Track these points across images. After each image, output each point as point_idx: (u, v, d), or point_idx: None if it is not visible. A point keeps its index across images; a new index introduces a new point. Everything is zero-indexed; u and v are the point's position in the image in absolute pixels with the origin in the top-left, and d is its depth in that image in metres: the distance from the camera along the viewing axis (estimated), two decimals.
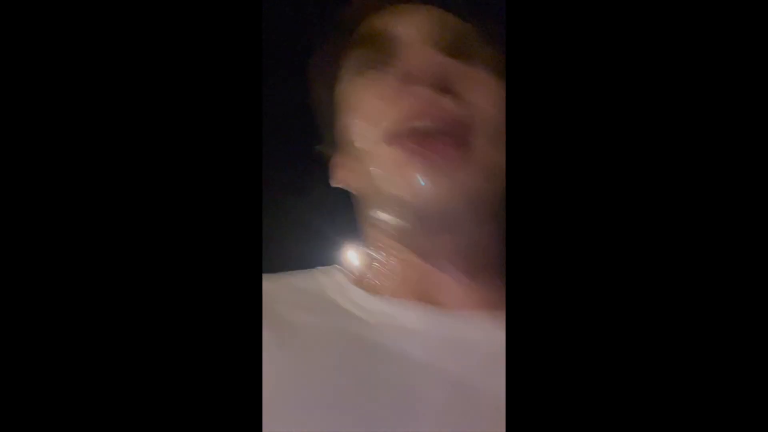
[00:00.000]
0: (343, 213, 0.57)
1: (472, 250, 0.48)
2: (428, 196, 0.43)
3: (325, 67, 0.52)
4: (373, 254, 0.52)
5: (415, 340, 0.44)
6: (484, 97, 0.45)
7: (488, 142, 0.44)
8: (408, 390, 0.41)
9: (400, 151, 0.44)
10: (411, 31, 0.47)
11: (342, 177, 0.54)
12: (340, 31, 0.51)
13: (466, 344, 0.44)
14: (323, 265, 0.55)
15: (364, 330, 0.45)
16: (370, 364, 0.43)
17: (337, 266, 0.54)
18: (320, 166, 0.57)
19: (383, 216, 0.48)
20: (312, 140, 0.56)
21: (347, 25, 0.50)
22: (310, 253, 0.61)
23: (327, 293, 0.50)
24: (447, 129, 0.44)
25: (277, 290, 0.49)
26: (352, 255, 0.58)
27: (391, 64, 0.47)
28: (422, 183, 0.43)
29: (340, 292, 0.50)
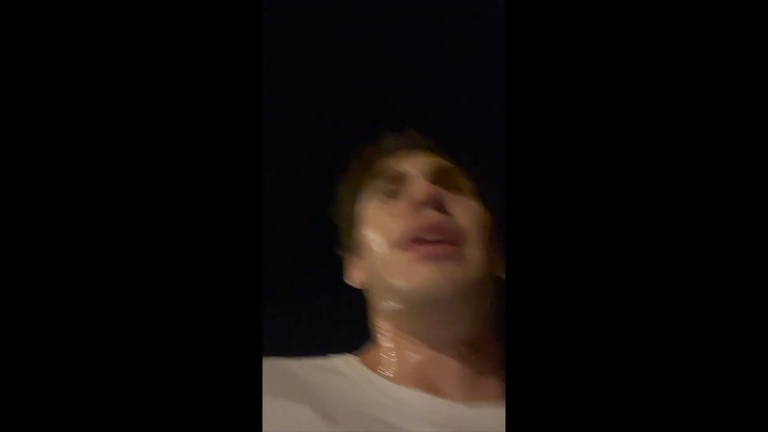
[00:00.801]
0: (354, 308, 0.69)
1: (470, 335, 0.61)
2: (434, 286, 0.58)
3: (350, 188, 0.70)
4: (384, 344, 0.63)
5: (426, 423, 0.55)
6: (467, 215, 0.63)
7: (472, 246, 0.61)
8: None
9: (412, 254, 0.59)
10: (417, 170, 0.66)
11: (355, 275, 0.69)
12: (364, 162, 0.70)
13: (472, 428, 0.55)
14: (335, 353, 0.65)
15: (378, 410, 0.56)
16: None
17: (351, 355, 0.64)
18: (335, 266, 0.71)
19: (393, 307, 0.61)
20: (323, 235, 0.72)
21: (368, 160, 0.69)
22: (320, 340, 0.68)
23: (344, 373, 0.61)
24: (445, 238, 0.60)
25: (293, 370, 0.60)
26: (366, 347, 0.66)
27: (403, 193, 0.64)
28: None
29: (355, 373, 0.61)
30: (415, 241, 0.59)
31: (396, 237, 0.61)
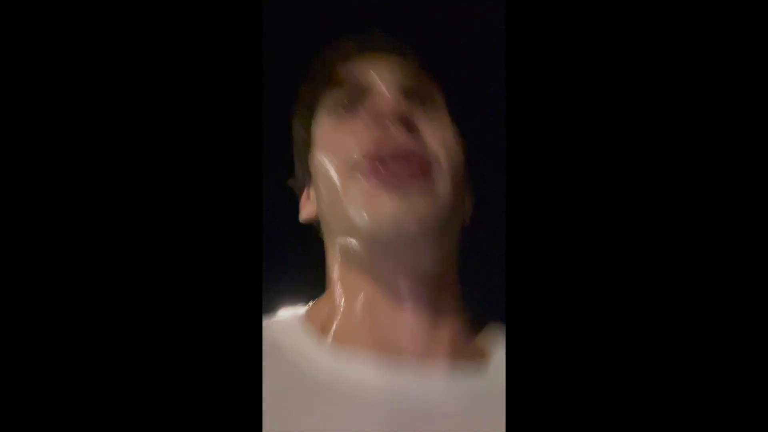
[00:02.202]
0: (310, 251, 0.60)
1: (431, 279, 0.52)
2: (397, 220, 0.48)
3: (304, 106, 0.58)
4: (337, 295, 0.54)
5: (367, 401, 0.47)
6: (439, 138, 0.52)
7: (443, 176, 0.51)
8: None
9: (373, 179, 0.49)
10: (380, 77, 0.54)
11: (306, 209, 0.58)
12: (317, 73, 0.58)
13: (420, 405, 0.47)
14: (287, 306, 0.57)
15: (313, 384, 0.48)
16: (319, 423, 0.45)
17: (294, 312, 0.56)
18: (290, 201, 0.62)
19: (348, 244, 0.52)
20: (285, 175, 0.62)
21: (323, 69, 0.57)
22: (274, 295, 0.60)
23: (279, 338, 0.52)
24: (413, 163, 0.50)
25: None
26: (316, 298, 0.58)
27: (361, 105, 0.53)
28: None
29: (291, 337, 0.52)
30: (377, 164, 0.49)
31: (354, 158, 0.50)
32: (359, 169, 0.50)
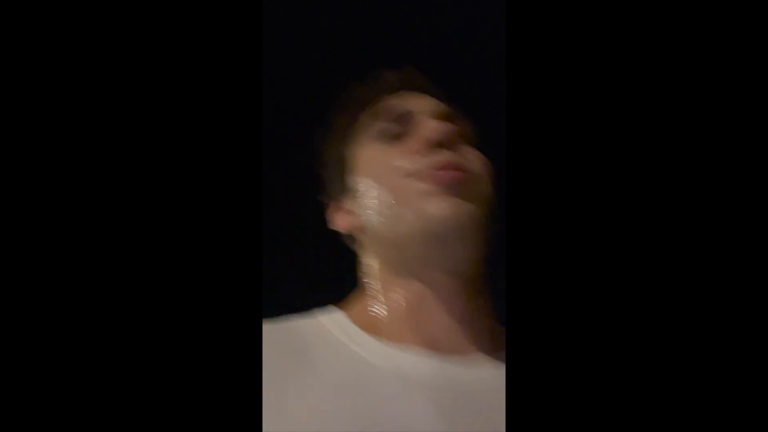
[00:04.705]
0: (341, 255, 0.66)
1: (469, 278, 0.59)
2: (450, 216, 0.56)
3: (341, 132, 0.66)
4: (375, 294, 0.61)
5: (421, 389, 0.53)
6: (474, 158, 0.61)
7: (481, 187, 0.59)
8: None
9: (430, 184, 0.57)
10: (423, 110, 0.62)
11: (343, 220, 0.65)
12: (357, 103, 0.66)
13: (469, 391, 0.54)
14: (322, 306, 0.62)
15: (371, 376, 0.54)
16: (378, 411, 0.51)
17: (335, 306, 0.61)
18: (318, 212, 0.67)
19: (398, 250, 0.59)
20: (313, 185, 0.68)
21: (365, 100, 0.65)
22: (309, 296, 0.64)
23: (332, 334, 0.58)
24: (459, 173, 0.58)
25: (278, 335, 0.57)
26: (352, 296, 0.63)
27: (410, 134, 0.61)
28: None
29: (345, 334, 0.58)
30: (433, 172, 0.57)
31: (411, 170, 0.58)
32: (417, 177, 0.57)
